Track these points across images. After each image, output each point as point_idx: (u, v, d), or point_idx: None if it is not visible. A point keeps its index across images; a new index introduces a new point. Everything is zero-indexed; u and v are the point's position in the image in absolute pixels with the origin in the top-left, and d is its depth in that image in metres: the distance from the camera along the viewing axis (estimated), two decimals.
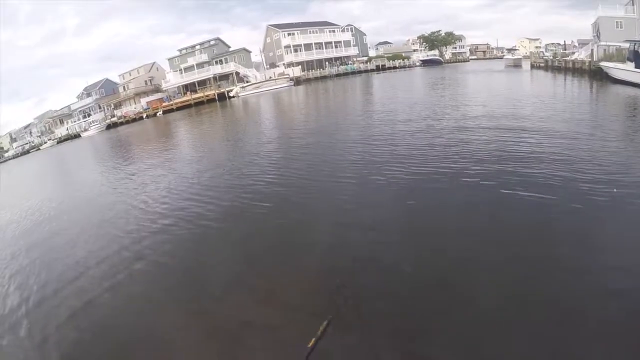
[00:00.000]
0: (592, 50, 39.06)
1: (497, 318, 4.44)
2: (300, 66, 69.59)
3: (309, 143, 15.09)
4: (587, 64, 37.06)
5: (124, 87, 72.85)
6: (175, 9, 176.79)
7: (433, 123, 15.65)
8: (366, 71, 74.89)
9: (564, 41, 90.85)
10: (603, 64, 31.82)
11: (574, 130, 12.77)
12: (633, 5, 42.35)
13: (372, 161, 11.10)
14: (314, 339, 4.40)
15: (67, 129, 72.57)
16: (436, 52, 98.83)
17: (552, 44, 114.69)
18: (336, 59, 76.91)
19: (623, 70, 27.22)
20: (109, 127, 61.97)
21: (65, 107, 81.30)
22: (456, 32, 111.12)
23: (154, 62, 76.26)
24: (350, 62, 77.72)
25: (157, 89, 69.65)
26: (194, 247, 7.42)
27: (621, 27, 41.30)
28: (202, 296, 5.77)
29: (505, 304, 4.62)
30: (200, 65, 67.76)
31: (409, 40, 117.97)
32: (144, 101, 66.31)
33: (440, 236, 6.46)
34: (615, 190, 7.57)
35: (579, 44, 73.32)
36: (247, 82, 62.98)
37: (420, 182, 8.93)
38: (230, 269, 6.36)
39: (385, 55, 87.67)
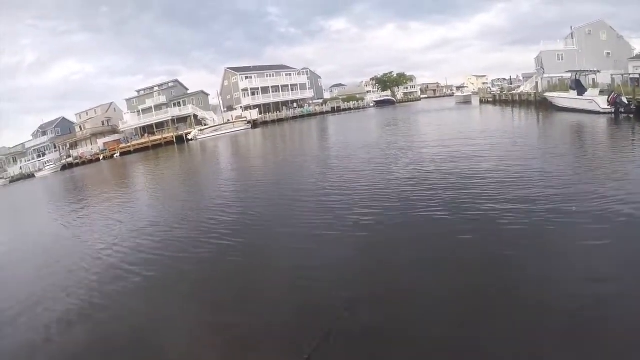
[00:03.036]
0: (536, 82, 43.00)
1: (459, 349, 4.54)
2: (257, 109, 72.02)
3: (268, 190, 14.72)
4: (532, 95, 40.11)
5: (80, 127, 72.56)
6: (134, 50, 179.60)
7: (388, 165, 15.63)
8: (322, 113, 78.72)
9: (510, 76, 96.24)
10: (548, 94, 34.80)
11: (528, 158, 13.40)
12: (572, 38, 46.82)
13: (331, 204, 10.97)
14: None
15: (21, 168, 71.31)
16: (389, 92, 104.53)
17: (498, 79, 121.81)
18: (293, 101, 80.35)
19: (566, 98, 29.77)
20: (65, 167, 61.31)
21: (20, 144, 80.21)
22: (407, 73, 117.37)
23: (111, 103, 76.75)
24: (306, 104, 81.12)
25: (114, 130, 69.81)
26: (152, 298, 7.04)
27: (562, 59, 45.23)
28: (165, 344, 5.60)
29: (463, 335, 4.72)
30: (158, 107, 68.93)
31: (362, 82, 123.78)
32: (100, 142, 66.24)
33: (403, 274, 6.53)
34: (574, 208, 7.91)
35: (523, 78, 78.16)
36: (205, 124, 64.53)
37: (378, 224, 8.90)
38: (195, 321, 6.12)
39: (340, 97, 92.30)
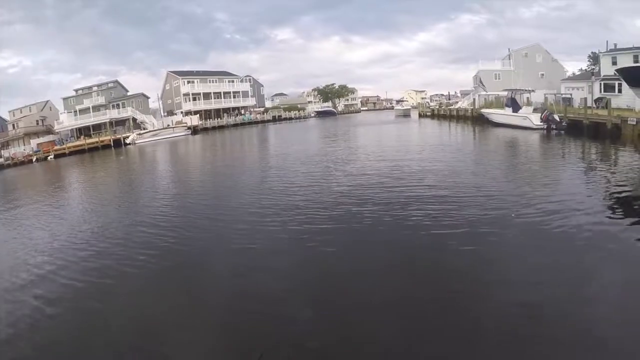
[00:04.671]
0: (473, 99, 46.50)
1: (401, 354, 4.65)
2: (198, 115, 72.93)
3: (205, 203, 14.34)
4: (469, 111, 43.38)
5: (13, 125, 69.97)
6: (73, 46, 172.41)
7: (328, 178, 15.75)
8: (263, 122, 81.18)
9: (448, 92, 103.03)
10: (484, 110, 37.99)
11: (467, 171, 14.35)
12: (510, 59, 51.00)
13: (272, 217, 10.81)
14: None
15: None
16: (330, 104, 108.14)
17: (437, 94, 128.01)
18: (234, 108, 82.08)
19: (502, 114, 32.89)
20: None
21: None
22: (349, 85, 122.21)
23: (47, 101, 74.51)
24: (247, 112, 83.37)
25: (49, 131, 67.76)
26: (70, 328, 6.31)
27: (499, 78, 49.11)
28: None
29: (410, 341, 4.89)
30: (96, 108, 68.15)
31: (304, 92, 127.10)
32: (34, 143, 63.96)
33: (343, 281, 6.69)
34: (513, 215, 8.38)
35: (461, 94, 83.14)
36: (145, 128, 64.38)
37: (318, 230, 9.09)
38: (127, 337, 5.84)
39: (282, 107, 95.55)
